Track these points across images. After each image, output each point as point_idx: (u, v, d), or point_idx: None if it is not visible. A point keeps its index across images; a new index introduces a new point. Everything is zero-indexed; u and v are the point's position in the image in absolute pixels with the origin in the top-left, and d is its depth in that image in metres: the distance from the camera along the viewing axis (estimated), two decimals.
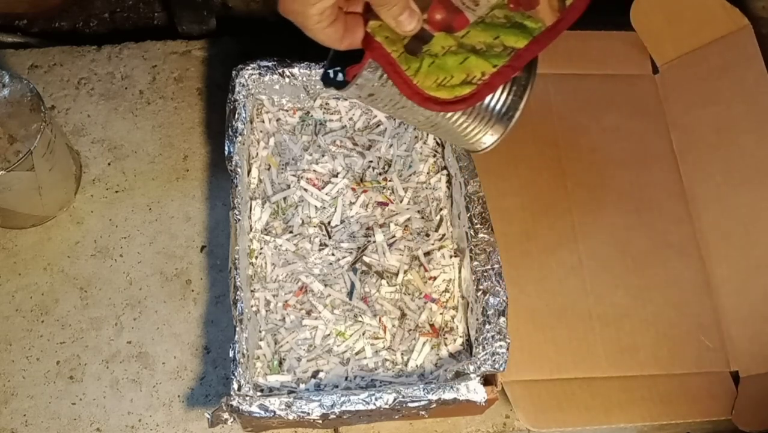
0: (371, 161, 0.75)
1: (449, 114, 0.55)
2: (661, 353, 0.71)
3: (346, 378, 0.66)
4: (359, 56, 0.53)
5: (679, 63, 0.82)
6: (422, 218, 0.73)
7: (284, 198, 0.73)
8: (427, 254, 0.71)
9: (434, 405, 0.61)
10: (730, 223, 0.75)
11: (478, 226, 0.66)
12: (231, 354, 0.62)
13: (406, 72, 0.52)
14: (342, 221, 0.72)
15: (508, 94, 0.55)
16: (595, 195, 0.77)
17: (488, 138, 0.57)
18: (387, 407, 0.60)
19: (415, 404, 0.60)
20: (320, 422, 0.60)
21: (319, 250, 0.71)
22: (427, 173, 0.74)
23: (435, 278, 0.70)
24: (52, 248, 0.74)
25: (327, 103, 0.76)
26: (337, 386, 0.66)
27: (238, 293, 0.63)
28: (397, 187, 0.74)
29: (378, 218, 0.73)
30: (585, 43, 0.83)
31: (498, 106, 0.56)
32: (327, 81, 0.58)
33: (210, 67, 0.83)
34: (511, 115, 0.56)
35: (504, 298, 0.63)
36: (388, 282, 0.70)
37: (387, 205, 0.73)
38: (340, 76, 0.56)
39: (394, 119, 0.76)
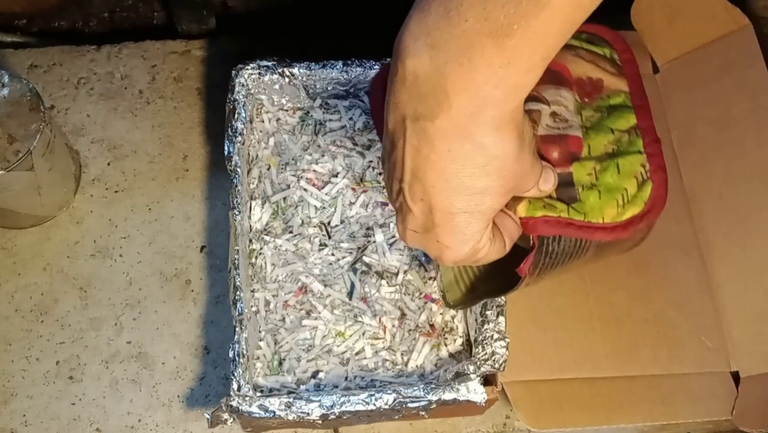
0: (371, 161, 0.75)
1: None
2: (662, 353, 0.71)
3: (346, 378, 0.66)
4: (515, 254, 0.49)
5: (680, 62, 0.82)
6: None
7: (284, 198, 0.73)
8: (427, 254, 0.71)
9: (434, 405, 0.60)
10: (731, 222, 0.75)
11: None
12: (231, 354, 0.61)
13: (587, 219, 0.49)
14: (342, 221, 0.72)
15: None
16: None
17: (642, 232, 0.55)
18: (387, 407, 0.60)
19: (415, 405, 0.60)
20: (320, 422, 0.60)
21: (319, 250, 0.71)
22: None
23: (435, 278, 0.70)
24: (52, 248, 0.74)
25: (327, 103, 0.76)
26: (337, 387, 0.66)
27: (238, 293, 0.63)
28: None
29: (378, 218, 0.72)
30: None
31: None
32: (470, 301, 0.56)
33: (210, 66, 0.83)
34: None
35: (503, 297, 0.63)
36: (388, 282, 0.70)
37: (387, 205, 0.73)
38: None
39: None
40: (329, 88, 0.74)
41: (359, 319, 0.68)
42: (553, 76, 0.52)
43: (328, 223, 0.72)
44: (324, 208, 0.73)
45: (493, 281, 0.51)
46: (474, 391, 0.60)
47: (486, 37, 0.36)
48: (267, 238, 0.71)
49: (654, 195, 0.51)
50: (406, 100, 0.39)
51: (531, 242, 0.49)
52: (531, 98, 0.49)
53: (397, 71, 0.39)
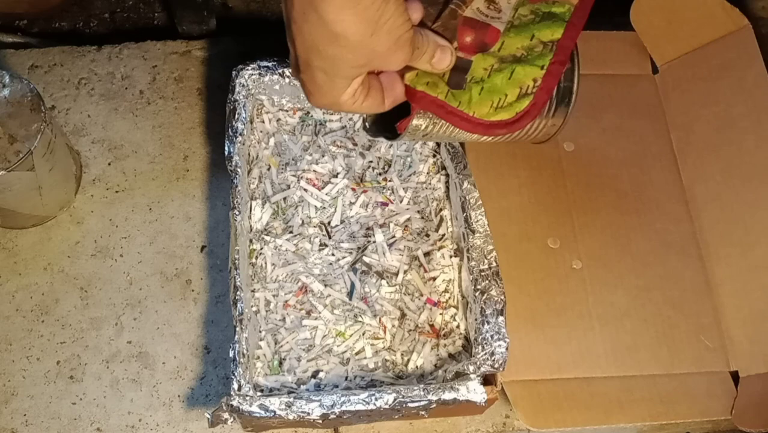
0: (371, 161, 0.75)
1: None
2: (661, 352, 0.71)
3: (346, 378, 0.66)
4: (404, 107, 0.52)
5: (679, 63, 0.82)
6: (422, 218, 0.73)
7: (284, 198, 0.73)
8: (426, 254, 0.71)
9: (434, 405, 0.61)
10: (729, 222, 0.75)
11: (474, 225, 0.66)
12: (231, 354, 0.62)
13: (459, 108, 0.51)
14: (342, 221, 0.72)
15: (560, 82, 0.55)
16: (594, 195, 0.77)
17: (551, 128, 0.57)
18: (387, 407, 0.60)
19: (415, 404, 0.60)
20: (320, 422, 0.60)
21: (319, 250, 0.71)
22: (427, 173, 0.74)
23: (435, 279, 0.70)
24: (53, 247, 0.74)
25: None
26: (337, 386, 0.66)
27: (238, 293, 0.63)
28: (397, 188, 0.74)
29: (378, 218, 0.73)
30: (584, 43, 0.82)
31: (553, 96, 0.56)
32: (373, 133, 0.57)
33: (210, 67, 0.83)
34: (568, 100, 0.56)
35: (502, 297, 0.63)
36: (388, 282, 0.70)
37: (387, 205, 0.73)
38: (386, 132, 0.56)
39: None
40: None
41: (359, 319, 0.68)
42: None
43: (328, 223, 0.72)
44: (324, 208, 0.73)
45: (394, 124, 0.55)
46: (474, 391, 0.61)
47: None
48: (267, 238, 0.71)
49: (526, 110, 0.53)
50: None
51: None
52: None
53: None
